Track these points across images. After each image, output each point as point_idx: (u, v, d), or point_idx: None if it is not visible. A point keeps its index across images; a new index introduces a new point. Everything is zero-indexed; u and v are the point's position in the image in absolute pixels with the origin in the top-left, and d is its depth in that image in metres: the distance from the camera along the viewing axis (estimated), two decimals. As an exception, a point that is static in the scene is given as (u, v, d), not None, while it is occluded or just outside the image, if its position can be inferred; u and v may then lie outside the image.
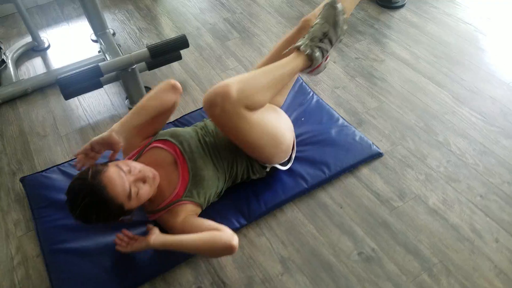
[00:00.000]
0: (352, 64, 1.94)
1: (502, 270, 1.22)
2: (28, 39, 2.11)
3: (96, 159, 1.19)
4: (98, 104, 1.83)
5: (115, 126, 1.20)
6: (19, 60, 2.06)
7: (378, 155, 1.53)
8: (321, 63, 1.22)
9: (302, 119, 1.65)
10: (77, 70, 1.53)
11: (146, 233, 1.22)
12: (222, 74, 1.93)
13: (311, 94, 1.76)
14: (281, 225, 1.36)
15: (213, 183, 1.27)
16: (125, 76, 1.67)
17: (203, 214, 1.29)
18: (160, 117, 1.33)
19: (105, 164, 1.11)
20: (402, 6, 2.28)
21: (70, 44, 2.17)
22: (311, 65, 1.20)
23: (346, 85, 1.84)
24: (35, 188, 1.44)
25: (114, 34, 2.18)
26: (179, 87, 1.34)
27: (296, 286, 1.21)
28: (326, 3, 1.20)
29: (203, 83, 1.89)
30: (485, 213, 1.36)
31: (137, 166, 1.14)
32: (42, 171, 1.50)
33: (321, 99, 1.74)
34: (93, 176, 1.05)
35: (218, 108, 1.07)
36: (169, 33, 2.22)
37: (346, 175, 1.48)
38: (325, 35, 1.18)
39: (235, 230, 1.30)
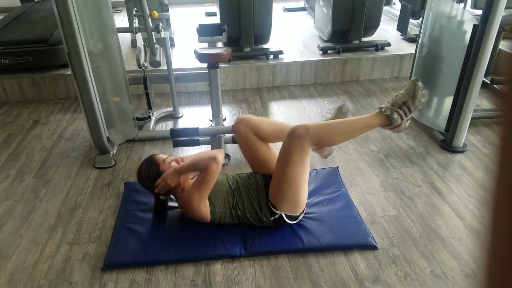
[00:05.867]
0: (391, 181, 2.30)
1: None
2: (170, 109, 3.08)
3: None
4: (192, 157, 2.56)
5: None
6: (160, 120, 3.02)
7: (373, 247, 1.82)
8: (401, 124, 1.73)
9: (325, 203, 2.06)
10: (184, 127, 2.31)
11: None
12: (284, 161, 2.50)
13: (342, 189, 2.17)
14: (270, 266, 1.74)
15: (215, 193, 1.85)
16: (214, 141, 2.39)
17: (218, 232, 1.79)
18: None
19: None
20: (462, 151, 2.58)
21: (196, 118, 3.07)
22: (390, 124, 1.72)
23: (377, 193, 2.20)
24: (130, 190, 2.16)
25: (225, 119, 3.01)
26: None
27: (258, 306, 1.56)
28: (410, 80, 1.73)
29: (268, 164, 2.48)
30: (445, 320, 1.51)
31: (174, 159, 1.92)
32: (138, 182, 2.24)
33: (349, 195, 2.14)
34: (152, 155, 1.90)
35: (296, 133, 1.67)
36: (263, 127, 2.94)
37: (338, 251, 1.81)
38: (404, 103, 1.71)
39: (235, 256, 1.75)
